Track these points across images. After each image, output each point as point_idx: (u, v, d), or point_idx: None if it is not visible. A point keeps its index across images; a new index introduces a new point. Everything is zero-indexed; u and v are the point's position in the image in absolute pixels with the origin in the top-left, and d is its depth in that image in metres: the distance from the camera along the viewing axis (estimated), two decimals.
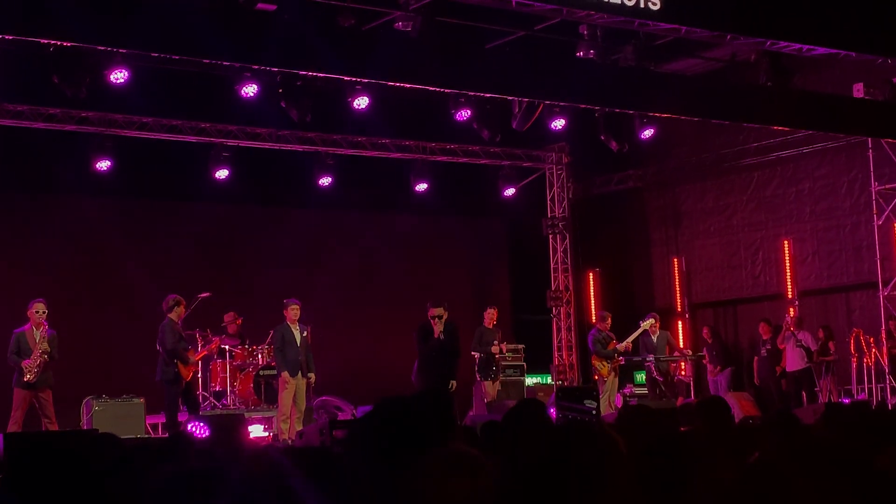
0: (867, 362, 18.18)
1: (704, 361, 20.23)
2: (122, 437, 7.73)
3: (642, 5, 12.98)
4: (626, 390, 19.15)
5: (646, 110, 16.67)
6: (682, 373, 20.36)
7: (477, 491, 3.19)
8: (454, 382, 15.49)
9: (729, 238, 21.81)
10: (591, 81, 14.87)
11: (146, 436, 15.59)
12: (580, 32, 14.72)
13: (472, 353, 17.77)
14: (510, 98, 16.60)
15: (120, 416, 15.54)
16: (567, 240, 22.35)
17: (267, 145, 19.21)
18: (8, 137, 17.06)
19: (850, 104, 17.22)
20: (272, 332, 16.22)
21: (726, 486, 3.63)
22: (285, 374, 15.46)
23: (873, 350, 18.14)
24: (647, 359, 18.19)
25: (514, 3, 12.82)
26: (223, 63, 13.66)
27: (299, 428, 14.70)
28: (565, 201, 22.46)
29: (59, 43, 12.47)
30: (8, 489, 5.87)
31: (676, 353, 19.15)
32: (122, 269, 18.95)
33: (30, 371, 14.13)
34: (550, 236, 22.37)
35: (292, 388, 15.43)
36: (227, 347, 17.53)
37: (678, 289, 22.16)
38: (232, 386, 17.62)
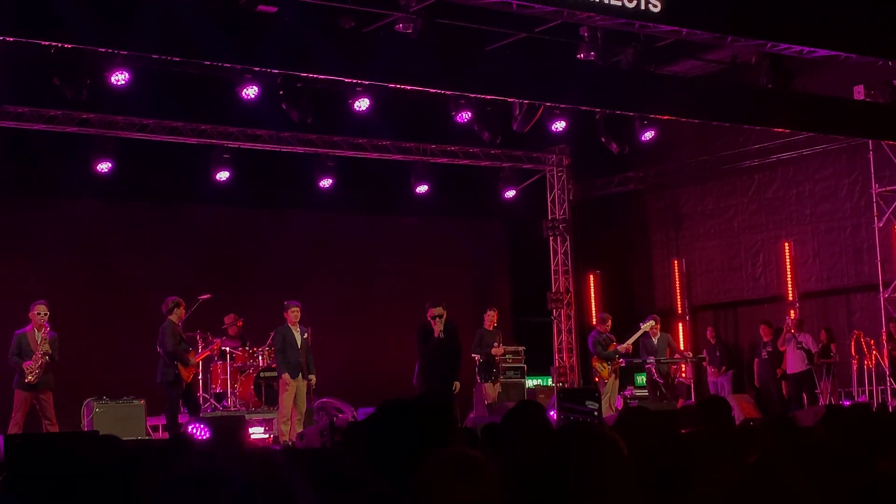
0: (868, 364, 18.17)
1: (705, 364, 20.23)
2: (123, 438, 7.73)
3: (643, 7, 12.98)
4: (627, 392, 19.14)
5: (646, 112, 16.67)
6: (683, 375, 20.35)
7: (479, 493, 3.20)
8: (458, 384, 15.50)
9: (729, 240, 21.81)
10: (591, 83, 14.87)
11: (147, 437, 15.59)
12: (581, 34, 14.73)
13: (473, 355, 17.76)
14: (511, 100, 16.62)
15: (120, 418, 15.54)
16: (567, 242, 22.35)
17: (268, 147, 19.21)
18: (9, 139, 17.07)
19: (850, 106, 17.22)
20: (273, 333, 16.21)
21: (726, 487, 3.63)
22: (286, 375, 15.46)
23: (874, 352, 18.14)
24: (648, 361, 18.17)
25: (514, 5, 12.83)
26: (224, 65, 13.67)
27: (300, 430, 14.70)
28: (566, 203, 22.46)
29: (59, 45, 12.48)
30: (8, 490, 5.87)
31: (677, 356, 19.13)
32: (122, 271, 18.96)
33: (31, 372, 14.12)
34: (551, 238, 22.37)
35: (293, 389, 15.43)
36: (227, 349, 17.53)
37: (678, 291, 22.15)
38: (232, 388, 17.61)
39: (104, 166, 17.73)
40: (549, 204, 22.47)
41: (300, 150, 19.41)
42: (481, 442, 6.88)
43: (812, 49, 14.93)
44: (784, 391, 19.24)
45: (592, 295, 22.67)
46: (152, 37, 11.92)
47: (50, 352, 14.25)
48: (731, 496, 3.49)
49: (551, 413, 12.85)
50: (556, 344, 22.11)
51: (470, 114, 17.02)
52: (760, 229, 21.34)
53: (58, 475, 5.32)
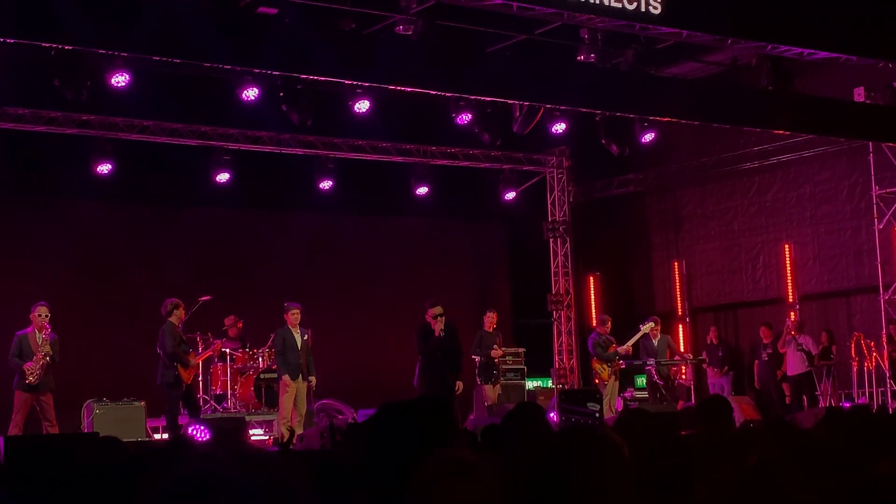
0: (868, 366, 18.18)
1: (704, 366, 20.22)
2: (123, 440, 7.73)
3: (643, 9, 12.98)
4: (627, 394, 19.15)
5: (646, 114, 16.68)
6: (683, 377, 20.36)
7: (475, 494, 3.19)
8: (460, 384, 15.50)
9: (730, 242, 21.81)
10: (591, 85, 14.88)
11: (147, 439, 15.58)
12: (581, 36, 14.73)
13: (473, 356, 17.77)
14: (511, 102, 16.64)
15: (120, 420, 15.52)
16: (567, 243, 22.36)
17: (268, 149, 19.22)
18: (9, 141, 17.07)
19: (850, 108, 17.23)
20: (273, 335, 16.22)
21: (726, 490, 3.63)
22: (286, 377, 15.46)
23: (874, 354, 18.14)
24: (648, 362, 18.18)
25: (514, 7, 12.84)
26: (224, 67, 13.67)
27: (300, 431, 14.69)
28: (566, 205, 22.47)
29: (59, 46, 12.48)
30: (8, 492, 5.87)
31: (677, 357, 19.14)
32: (122, 273, 18.97)
33: (32, 373, 14.12)
34: (551, 240, 22.37)
35: (293, 391, 15.43)
36: (227, 351, 17.52)
37: (679, 293, 22.15)
38: (232, 389, 17.61)
39: (104, 168, 17.73)
40: (549, 206, 22.48)
41: (300, 151, 19.42)
42: (481, 444, 6.87)
43: (812, 51, 14.93)
44: (784, 393, 19.24)
45: (592, 297, 22.67)
46: (152, 38, 11.92)
47: (51, 353, 14.25)
48: (731, 498, 3.49)
49: (551, 415, 12.84)
50: (556, 346, 22.11)
51: (470, 115, 17.03)
52: (760, 231, 21.34)
53: (58, 477, 5.32)
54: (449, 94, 15.59)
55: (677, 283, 22.20)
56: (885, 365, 18.14)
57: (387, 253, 21.41)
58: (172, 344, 14.84)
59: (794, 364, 18.81)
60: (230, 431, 12.50)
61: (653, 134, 18.18)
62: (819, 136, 18.45)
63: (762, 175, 21.20)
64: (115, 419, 15.52)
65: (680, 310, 22.03)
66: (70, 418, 15.43)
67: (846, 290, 20.15)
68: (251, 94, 15.60)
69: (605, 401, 16.96)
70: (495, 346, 17.89)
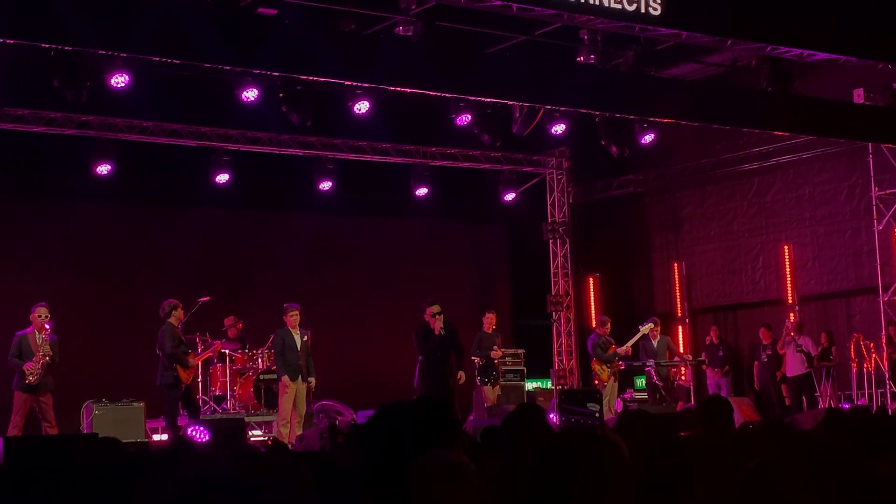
0: (867, 367, 18.17)
1: (704, 367, 20.22)
2: (123, 441, 7.73)
3: (643, 10, 12.98)
4: (626, 395, 19.15)
5: (646, 115, 16.68)
6: (682, 378, 20.35)
7: (463, 496, 3.20)
8: (462, 374, 15.47)
9: (729, 243, 21.81)
10: (591, 86, 14.88)
11: (146, 440, 15.57)
12: (581, 37, 14.73)
13: (472, 357, 17.77)
14: (510, 103, 16.64)
15: (120, 421, 15.52)
16: (567, 244, 22.36)
17: (267, 149, 19.22)
18: (8, 141, 17.07)
19: (850, 109, 17.23)
20: (272, 336, 16.21)
21: (726, 491, 3.63)
22: (285, 378, 15.45)
23: (873, 355, 18.14)
24: (648, 364, 18.18)
25: (514, 8, 12.83)
26: (224, 67, 13.68)
27: (299, 432, 14.70)
28: (565, 206, 22.47)
29: (59, 47, 12.48)
30: (8, 493, 5.87)
31: (676, 359, 19.14)
32: (122, 273, 18.97)
33: (32, 373, 14.11)
34: (550, 241, 22.38)
35: (292, 392, 15.43)
36: (227, 351, 17.52)
37: (678, 294, 22.15)
38: (232, 390, 17.60)
39: (104, 168, 17.73)
40: (548, 207, 22.48)
41: (300, 152, 19.42)
42: (480, 445, 6.87)
43: (812, 52, 14.93)
44: (784, 394, 19.24)
45: (592, 298, 22.66)
46: (152, 39, 11.92)
47: (51, 353, 14.25)
48: (731, 499, 3.49)
49: (551, 415, 12.84)
50: (555, 347, 22.11)
51: (470, 116, 17.03)
52: (760, 232, 21.34)
53: (57, 477, 5.32)
54: (449, 95, 15.59)
55: (677, 284, 22.20)
56: (885, 366, 18.13)
57: (386, 254, 21.40)
58: (171, 345, 14.84)
59: (794, 365, 18.81)
60: (229, 432, 12.49)
61: (652, 135, 18.19)
62: (818, 137, 18.45)
63: (762, 176, 21.20)
64: (115, 420, 15.52)
65: (679, 311, 22.03)
66: (69, 419, 15.43)
67: (846, 291, 20.15)
68: (251, 94, 15.60)
69: (605, 402, 16.96)
70: (495, 347, 17.90)
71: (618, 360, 18.04)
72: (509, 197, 21.56)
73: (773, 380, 19.34)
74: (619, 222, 23.39)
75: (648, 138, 18.17)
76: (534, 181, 22.35)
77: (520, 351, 19.43)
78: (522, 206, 21.99)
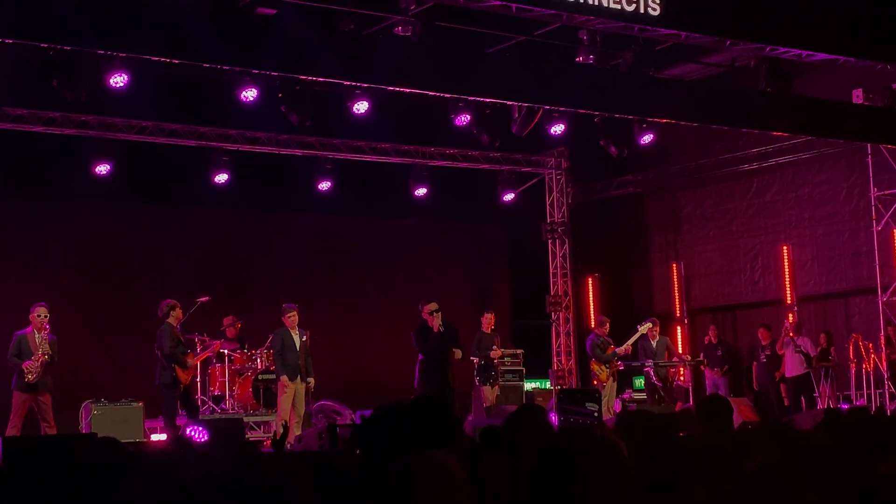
0: (866, 368, 18.17)
1: (703, 368, 20.22)
2: (121, 441, 7.72)
3: (642, 10, 12.98)
4: (625, 395, 19.16)
5: (645, 115, 16.68)
6: (681, 378, 20.35)
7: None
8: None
9: (728, 243, 21.81)
10: (590, 86, 14.88)
11: (145, 440, 15.57)
12: (580, 37, 14.73)
13: (471, 357, 17.77)
14: (510, 103, 16.63)
15: (118, 420, 15.52)
16: (566, 245, 22.36)
17: (266, 149, 19.22)
18: (8, 141, 17.06)
19: (849, 110, 17.23)
20: (271, 336, 16.21)
21: (726, 491, 3.63)
22: (284, 378, 15.45)
23: (872, 356, 18.14)
24: (646, 364, 18.18)
25: (514, 9, 12.83)
26: (223, 67, 13.68)
27: (298, 432, 14.69)
28: (564, 206, 22.47)
29: (58, 47, 12.48)
30: (7, 493, 5.87)
31: (675, 359, 19.14)
32: (121, 273, 18.97)
33: (30, 372, 14.10)
34: (550, 241, 22.38)
35: (291, 392, 15.42)
36: (226, 352, 17.52)
37: (677, 294, 22.16)
38: (231, 390, 17.60)
39: (103, 168, 17.73)
40: (547, 207, 22.48)
41: (299, 152, 19.42)
42: (479, 445, 6.86)
43: (811, 53, 14.93)
44: (783, 394, 19.25)
45: (591, 298, 22.66)
46: (151, 39, 11.92)
47: (50, 352, 14.25)
48: (731, 500, 3.49)
49: (550, 415, 12.83)
50: (554, 347, 22.11)
51: (469, 117, 17.03)
52: (759, 233, 21.34)
53: (56, 477, 5.32)
54: (448, 96, 15.58)
55: (676, 285, 22.21)
56: (884, 366, 18.13)
57: (385, 254, 21.40)
58: (170, 345, 14.83)
59: (793, 366, 18.81)
60: (228, 432, 12.49)
61: (651, 135, 18.18)
62: (817, 137, 18.46)
63: (761, 176, 21.20)
64: (113, 420, 15.52)
65: (678, 311, 22.04)
66: (68, 419, 15.43)
67: (844, 291, 20.16)
68: (250, 94, 15.60)
69: (604, 402, 16.96)
70: (494, 347, 17.89)
71: (616, 361, 18.04)
72: (508, 197, 21.56)
73: (772, 380, 19.34)
74: (619, 223, 23.39)
75: (647, 139, 18.17)
76: (533, 181, 22.35)
77: (519, 351, 19.42)
78: (521, 207, 21.98)
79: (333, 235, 21.01)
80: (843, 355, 18.68)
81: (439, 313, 15.24)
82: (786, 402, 19.02)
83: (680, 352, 20.52)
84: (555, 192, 22.48)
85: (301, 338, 15.62)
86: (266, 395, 17.77)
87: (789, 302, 20.37)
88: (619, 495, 3.26)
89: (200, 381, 17.34)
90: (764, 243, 21.26)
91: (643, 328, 18.27)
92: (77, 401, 15.95)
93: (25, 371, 14.10)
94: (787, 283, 20.49)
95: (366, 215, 21.30)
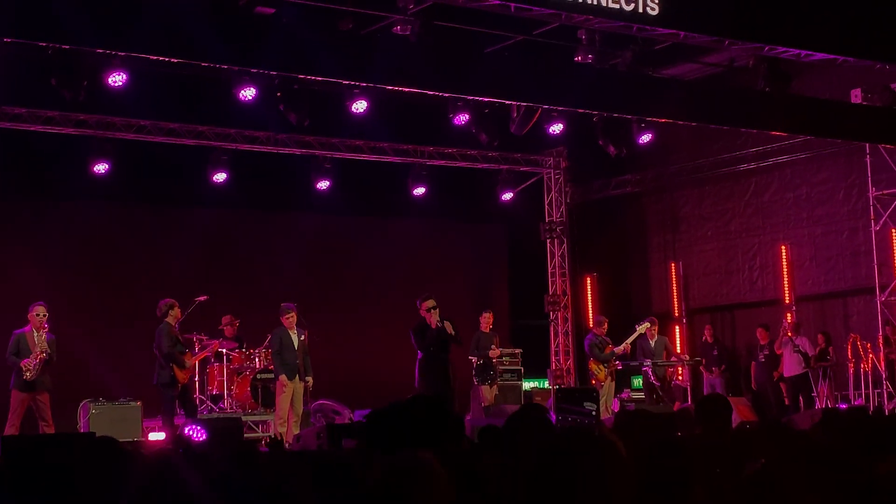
0: (864, 368, 18.18)
1: (701, 368, 20.21)
2: (120, 440, 7.71)
3: (641, 10, 12.98)
4: (624, 395, 19.16)
5: (644, 115, 16.68)
6: (680, 378, 20.35)
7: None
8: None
9: (727, 243, 21.81)
10: (589, 86, 14.88)
11: (143, 439, 15.56)
12: (579, 37, 14.72)
13: (470, 357, 17.78)
14: (508, 102, 16.61)
15: (117, 420, 15.53)
16: (565, 244, 22.36)
17: (265, 149, 19.22)
18: (6, 140, 17.06)
19: (847, 110, 17.23)
20: (270, 335, 16.21)
21: (725, 490, 3.63)
22: (283, 377, 15.45)
23: (870, 355, 18.14)
24: (645, 364, 18.19)
25: (512, 8, 12.83)
26: (222, 66, 13.66)
27: (296, 432, 14.69)
28: (563, 206, 22.47)
29: (57, 46, 12.47)
30: (5, 492, 5.86)
31: (674, 358, 19.15)
32: (119, 272, 18.97)
33: (28, 370, 14.11)
34: (548, 241, 22.38)
35: (290, 391, 15.43)
36: (224, 351, 17.52)
37: (676, 294, 22.16)
38: (229, 389, 17.60)
39: (101, 167, 17.73)
40: (546, 207, 22.49)
41: (298, 151, 19.42)
42: (478, 444, 6.87)
43: (809, 52, 14.94)
44: (781, 394, 19.25)
45: (589, 298, 22.67)
46: (150, 38, 11.91)
47: (49, 351, 14.26)
48: (731, 499, 3.49)
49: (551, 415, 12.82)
50: (552, 346, 22.12)
51: (467, 116, 17.03)
52: (758, 232, 21.35)
53: (54, 476, 5.31)
54: (447, 95, 15.58)
55: (674, 285, 22.21)
56: (882, 366, 18.14)
57: (384, 253, 21.40)
58: (168, 344, 14.83)
59: (791, 365, 18.82)
60: (227, 432, 12.48)
61: (650, 135, 18.18)
62: (816, 137, 18.46)
63: (759, 176, 21.20)
64: (112, 419, 15.52)
65: (677, 311, 22.04)
66: (66, 418, 15.43)
67: (843, 291, 20.15)
68: (248, 93, 15.58)
69: (602, 402, 16.96)
70: (493, 347, 17.91)
71: (615, 360, 18.05)
72: (507, 197, 21.55)
73: (771, 380, 19.35)
74: (617, 222, 23.39)
75: (646, 138, 18.16)
76: (531, 181, 22.35)
77: (517, 350, 19.43)
78: (520, 206, 21.99)
79: (332, 235, 21.01)
80: (842, 355, 18.68)
81: (437, 310, 15.24)
82: (786, 402, 19.02)
83: (678, 351, 20.52)
84: (553, 192, 22.48)
85: (299, 337, 15.63)
86: (264, 395, 17.76)
87: (788, 302, 20.37)
88: (618, 495, 3.26)
89: (199, 381, 17.33)
90: (762, 243, 21.26)
91: (641, 328, 18.27)
92: (75, 400, 15.95)
93: (23, 369, 14.10)
94: (786, 282, 20.49)
95: (364, 215, 21.30)
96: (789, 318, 19.80)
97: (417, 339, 15.27)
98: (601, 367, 17.90)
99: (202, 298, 17.04)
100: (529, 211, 22.22)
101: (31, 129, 17.21)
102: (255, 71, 14.39)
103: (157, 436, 15.31)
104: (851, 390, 18.46)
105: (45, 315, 14.39)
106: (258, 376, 17.78)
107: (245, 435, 15.09)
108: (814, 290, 20.46)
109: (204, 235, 19.70)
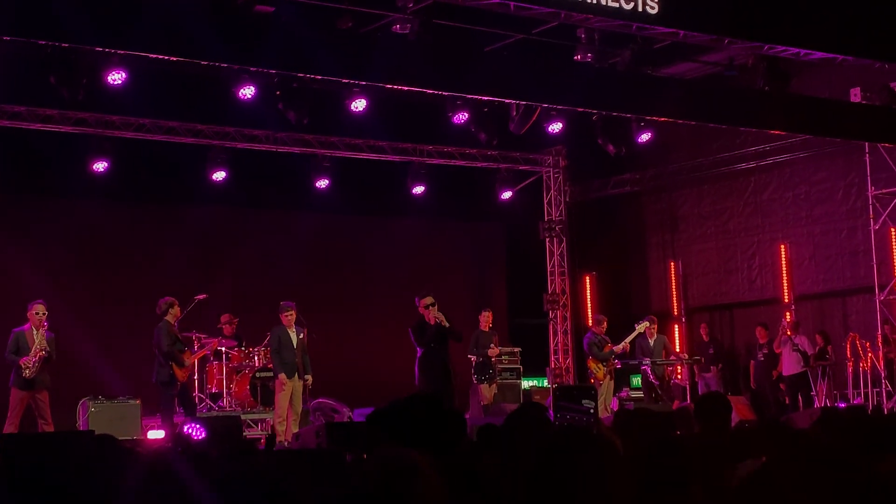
0: (863, 367, 18.19)
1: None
2: (119, 438, 7.72)
3: (640, 9, 12.98)
4: (623, 394, 19.16)
5: (643, 114, 16.68)
6: (679, 377, 20.36)
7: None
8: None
9: (725, 242, 21.82)
10: (588, 85, 14.87)
11: (142, 437, 15.57)
12: (578, 36, 14.72)
13: (469, 356, 17.79)
14: (508, 101, 16.61)
15: (116, 418, 15.53)
16: (564, 243, 22.36)
17: (264, 147, 19.22)
18: (5, 139, 17.06)
19: (847, 109, 17.24)
20: (269, 334, 16.22)
21: (725, 489, 3.63)
22: (282, 375, 15.45)
23: (869, 354, 18.15)
24: (644, 362, 18.19)
25: (512, 7, 12.83)
26: (221, 65, 13.65)
27: (295, 430, 14.69)
28: (562, 205, 22.47)
29: (56, 44, 12.46)
30: (4, 490, 5.86)
31: (672, 357, 19.15)
32: (118, 271, 18.97)
33: (27, 368, 14.11)
34: (547, 240, 22.38)
35: (289, 390, 15.43)
36: (223, 349, 17.52)
37: (675, 293, 22.16)
38: (228, 388, 17.61)
39: (100, 166, 17.73)
40: (545, 205, 22.48)
41: (297, 150, 19.41)
42: (477, 443, 6.87)
43: (809, 51, 14.94)
44: (780, 393, 19.26)
45: (588, 297, 22.68)
46: (149, 36, 11.90)
47: (48, 349, 14.26)
48: (730, 498, 3.49)
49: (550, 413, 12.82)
50: (551, 345, 22.12)
51: (467, 115, 17.02)
52: (757, 231, 21.35)
53: (53, 474, 5.32)
54: (446, 94, 15.58)
55: (673, 284, 22.21)
56: (881, 365, 18.16)
57: (383, 252, 21.41)
58: (168, 342, 14.84)
59: (790, 364, 18.83)
60: (226, 430, 12.47)
61: (649, 134, 18.19)
62: (815, 136, 18.46)
63: (758, 175, 21.21)
64: (111, 417, 15.53)
65: (676, 310, 22.04)
66: (65, 416, 15.44)
67: (842, 290, 20.16)
68: (247, 92, 15.58)
69: (601, 400, 16.96)
70: (492, 346, 17.91)
71: (614, 359, 18.05)
72: (506, 195, 21.55)
73: (770, 379, 19.36)
74: (616, 221, 23.40)
75: (645, 137, 18.17)
76: (530, 180, 22.35)
77: (516, 349, 19.44)
78: (519, 205, 21.99)
79: (331, 233, 21.01)
80: (841, 354, 18.69)
81: (435, 306, 15.25)
82: (786, 401, 19.02)
83: (677, 350, 20.52)
84: (552, 191, 22.48)
85: (298, 335, 15.64)
86: (263, 393, 17.77)
87: (787, 301, 20.38)
88: (616, 494, 3.27)
89: (198, 379, 17.35)
90: (761, 242, 21.26)
91: (640, 327, 18.28)
92: (74, 398, 15.96)
93: (22, 367, 14.10)
94: (785, 281, 20.49)
95: (363, 213, 21.31)
96: (788, 317, 19.80)
97: (417, 335, 15.28)
98: (600, 365, 17.91)
99: (201, 297, 17.04)
100: (528, 210, 22.22)
101: (30, 127, 17.20)
102: (254, 69, 14.39)
103: (156, 434, 15.30)
104: (850, 389, 18.47)
105: (44, 313, 14.39)
106: (257, 375, 17.78)
107: (244, 433, 15.08)
108: (813, 289, 20.46)
109: (203, 234, 19.71)
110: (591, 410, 11.07)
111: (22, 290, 15.97)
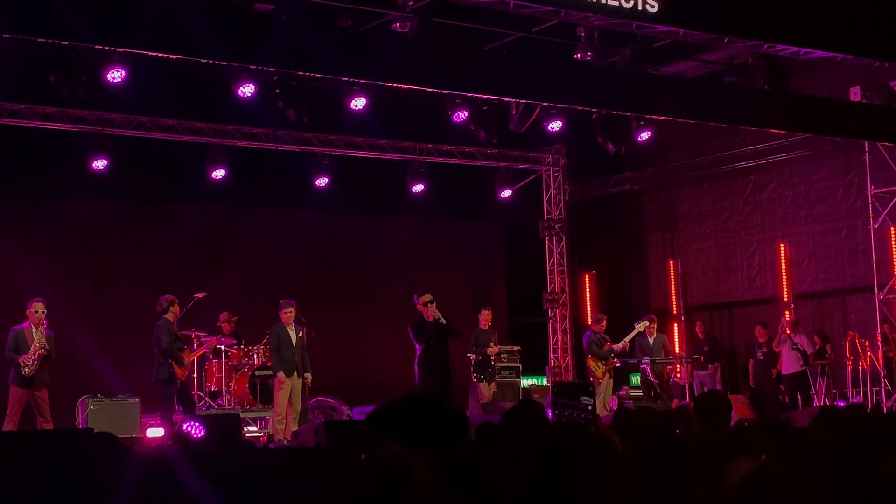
0: (863, 366, 18.19)
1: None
2: (118, 436, 7.71)
3: (640, 7, 12.98)
4: (622, 392, 19.16)
5: (643, 112, 16.67)
6: (678, 375, 20.36)
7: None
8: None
9: (725, 241, 21.82)
10: (588, 83, 14.86)
11: (141, 435, 15.57)
12: (578, 34, 14.71)
13: (468, 354, 17.79)
14: (507, 100, 16.60)
15: (115, 416, 15.53)
16: (563, 242, 22.37)
17: (264, 145, 19.22)
18: (4, 136, 17.05)
19: (846, 107, 17.23)
20: (268, 332, 16.21)
21: (724, 488, 3.63)
22: (281, 374, 15.45)
23: (868, 353, 18.15)
24: (643, 361, 18.19)
25: (511, 5, 12.82)
26: (220, 63, 13.64)
27: (294, 428, 14.69)
28: (562, 203, 22.47)
29: (55, 42, 12.46)
30: (4, 488, 5.87)
31: (672, 356, 19.15)
32: (117, 269, 18.97)
33: (27, 365, 14.12)
34: (547, 238, 22.39)
35: (288, 388, 15.42)
36: (222, 347, 17.53)
37: (674, 291, 22.17)
38: (227, 386, 17.60)
39: (100, 164, 17.73)
40: (545, 204, 22.49)
41: (296, 148, 19.41)
42: (475, 441, 6.86)
43: (809, 50, 14.93)
44: (779, 392, 19.26)
45: (588, 295, 22.68)
46: (149, 35, 11.89)
47: (47, 347, 14.26)
48: (729, 497, 3.49)
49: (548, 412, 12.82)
50: (551, 344, 22.13)
51: (466, 113, 17.01)
52: (756, 230, 21.35)
53: (52, 472, 5.32)
54: (445, 92, 15.58)
55: (673, 282, 22.22)
56: (880, 364, 18.16)
57: (382, 250, 21.40)
58: (167, 340, 14.84)
59: (789, 363, 18.83)
60: (225, 428, 12.48)
61: (649, 133, 18.18)
62: (815, 135, 18.46)
63: (758, 174, 21.21)
64: (110, 415, 15.52)
65: (675, 309, 22.05)
66: (65, 414, 15.44)
67: (841, 289, 20.17)
68: (247, 90, 15.57)
69: (600, 399, 16.97)
70: (491, 344, 17.92)
71: (613, 357, 18.05)
72: (506, 194, 21.55)
73: (769, 378, 19.36)
74: (616, 220, 23.40)
75: (645, 136, 18.16)
76: (530, 178, 22.35)
77: (515, 348, 19.44)
78: (519, 204, 21.98)
79: (330, 231, 21.01)
80: (840, 353, 18.70)
81: (433, 304, 15.25)
82: (786, 400, 19.03)
83: (676, 349, 20.52)
84: (552, 189, 22.48)
85: (297, 334, 15.63)
86: (263, 391, 17.76)
87: (786, 299, 20.38)
88: (616, 493, 3.27)
89: (197, 377, 17.35)
90: (761, 241, 21.27)
91: (640, 325, 18.28)
92: (74, 396, 15.96)
93: (22, 365, 14.11)
94: (784, 280, 20.50)
95: (363, 212, 21.31)
96: (788, 315, 19.81)
97: (416, 333, 15.28)
98: (599, 364, 17.91)
99: (201, 295, 17.04)
100: (528, 208, 22.22)
101: (30, 125, 17.21)
102: (253, 68, 14.37)
103: (155, 432, 15.31)
104: (850, 388, 18.48)
105: (43, 311, 14.40)
106: (256, 373, 17.77)
107: (244, 431, 15.09)
108: (812, 287, 20.47)
109: (202, 232, 19.69)
110: (589, 407, 11.07)
111: (21, 288, 15.97)
